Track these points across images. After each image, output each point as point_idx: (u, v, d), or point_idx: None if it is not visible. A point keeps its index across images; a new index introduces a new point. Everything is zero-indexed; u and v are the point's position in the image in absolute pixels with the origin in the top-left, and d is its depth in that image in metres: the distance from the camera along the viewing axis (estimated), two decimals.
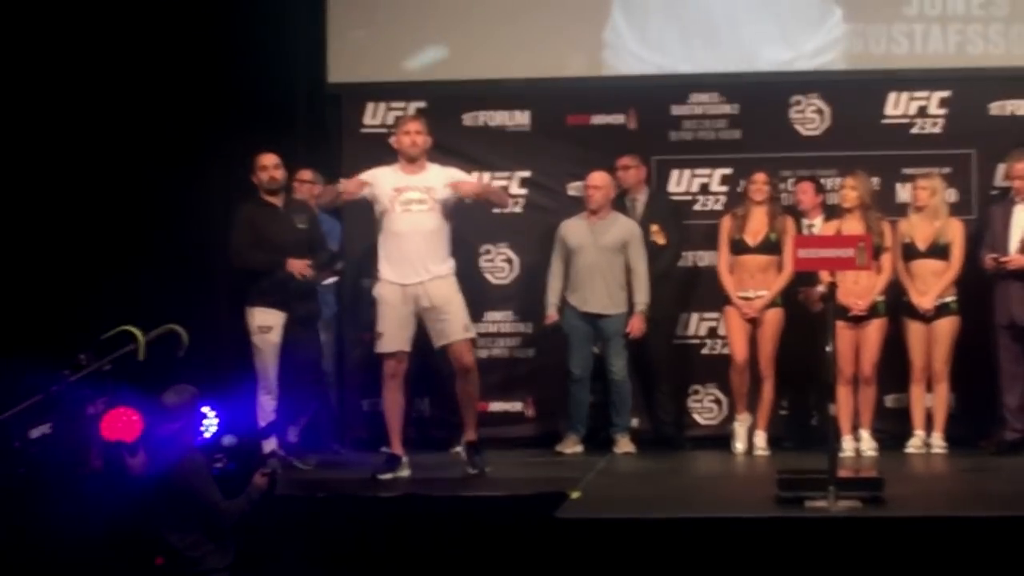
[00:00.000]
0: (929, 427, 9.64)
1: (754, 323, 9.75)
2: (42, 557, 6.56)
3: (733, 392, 9.93)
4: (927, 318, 9.56)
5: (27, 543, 6.60)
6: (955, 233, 9.63)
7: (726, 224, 9.86)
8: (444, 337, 8.57)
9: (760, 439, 9.74)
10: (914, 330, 9.61)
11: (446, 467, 8.87)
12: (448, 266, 8.63)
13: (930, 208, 9.63)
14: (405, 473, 8.60)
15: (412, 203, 8.53)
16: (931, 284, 9.57)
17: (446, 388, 9.08)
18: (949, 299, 9.59)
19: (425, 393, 10.12)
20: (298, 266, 9.00)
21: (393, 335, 8.55)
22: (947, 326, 9.58)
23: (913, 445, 9.61)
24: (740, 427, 9.85)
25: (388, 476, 8.51)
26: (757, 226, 9.77)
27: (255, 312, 9.02)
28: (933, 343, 9.59)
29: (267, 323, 9.00)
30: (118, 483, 6.84)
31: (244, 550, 6.95)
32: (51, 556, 6.57)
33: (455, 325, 8.55)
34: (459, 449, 8.93)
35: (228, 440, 7.26)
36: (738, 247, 9.78)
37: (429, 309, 8.53)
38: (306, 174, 9.88)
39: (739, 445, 9.81)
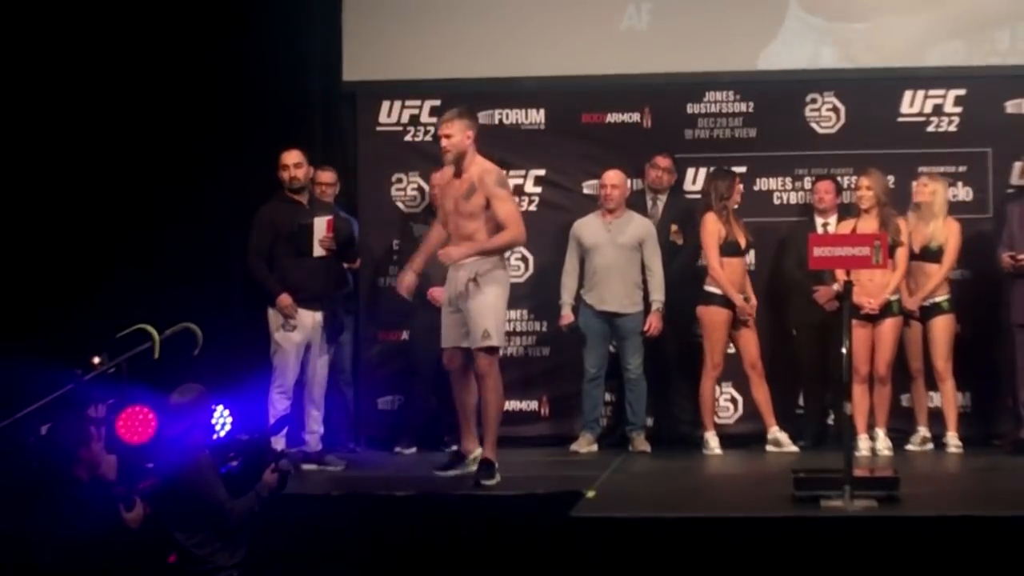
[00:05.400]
0: (942, 426, 9.63)
1: (734, 324, 9.71)
2: (54, 552, 6.57)
3: (702, 400, 9.80)
4: (916, 318, 9.57)
5: (39, 537, 6.61)
6: (949, 235, 9.60)
7: (712, 225, 9.70)
8: (467, 340, 8.44)
9: (778, 435, 9.73)
10: (906, 330, 9.60)
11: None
12: (490, 261, 8.40)
13: (926, 208, 9.60)
14: (472, 469, 8.42)
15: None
16: (921, 284, 9.57)
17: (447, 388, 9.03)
18: (940, 299, 9.58)
19: (431, 392, 10.07)
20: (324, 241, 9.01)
21: (444, 333, 8.52)
22: (941, 325, 9.56)
23: (914, 442, 9.62)
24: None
25: (450, 473, 8.48)
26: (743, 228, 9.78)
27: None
28: (930, 343, 9.58)
29: (292, 321, 8.97)
30: (101, 493, 6.79)
31: (257, 548, 6.95)
32: (64, 551, 6.57)
33: (476, 330, 8.35)
34: (455, 448, 8.85)
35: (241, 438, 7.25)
36: (730, 249, 9.71)
37: (464, 310, 8.37)
38: (325, 175, 9.82)
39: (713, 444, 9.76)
